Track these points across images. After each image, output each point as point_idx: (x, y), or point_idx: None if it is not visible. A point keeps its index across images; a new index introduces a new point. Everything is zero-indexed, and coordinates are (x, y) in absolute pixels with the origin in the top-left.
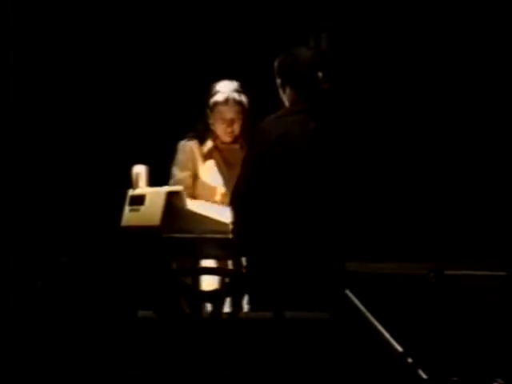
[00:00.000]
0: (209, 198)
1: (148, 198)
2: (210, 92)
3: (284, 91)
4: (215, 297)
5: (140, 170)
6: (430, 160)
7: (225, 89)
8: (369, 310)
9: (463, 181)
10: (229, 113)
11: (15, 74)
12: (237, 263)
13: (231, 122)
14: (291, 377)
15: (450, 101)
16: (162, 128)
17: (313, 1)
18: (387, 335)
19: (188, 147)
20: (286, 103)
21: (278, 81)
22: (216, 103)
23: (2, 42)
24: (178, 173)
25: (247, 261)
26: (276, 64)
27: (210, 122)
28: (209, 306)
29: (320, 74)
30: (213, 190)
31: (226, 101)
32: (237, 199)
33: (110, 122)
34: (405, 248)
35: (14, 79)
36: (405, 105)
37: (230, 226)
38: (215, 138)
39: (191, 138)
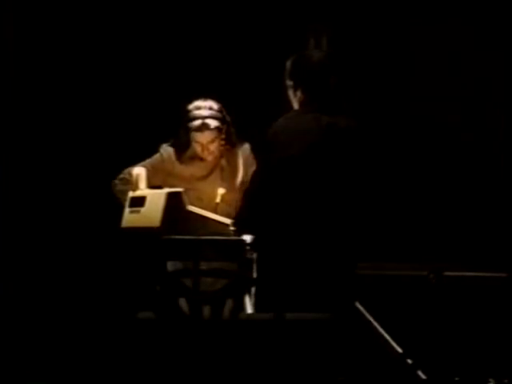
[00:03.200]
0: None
1: (148, 199)
2: (184, 114)
3: (295, 93)
4: (215, 298)
5: (140, 172)
6: (430, 161)
7: (199, 115)
8: (368, 311)
9: (463, 182)
10: (204, 138)
11: (14, 75)
12: (239, 264)
13: (207, 146)
14: (291, 378)
15: (450, 101)
16: (163, 129)
17: (313, 3)
18: (387, 336)
19: (166, 152)
20: (295, 105)
21: (290, 83)
22: (190, 129)
23: (1, 42)
24: (140, 164)
25: (257, 261)
26: (288, 65)
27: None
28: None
29: (333, 80)
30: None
31: (201, 128)
32: (250, 199)
33: (112, 123)
34: (405, 249)
35: (13, 80)
36: (405, 106)
37: (231, 227)
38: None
39: (171, 145)
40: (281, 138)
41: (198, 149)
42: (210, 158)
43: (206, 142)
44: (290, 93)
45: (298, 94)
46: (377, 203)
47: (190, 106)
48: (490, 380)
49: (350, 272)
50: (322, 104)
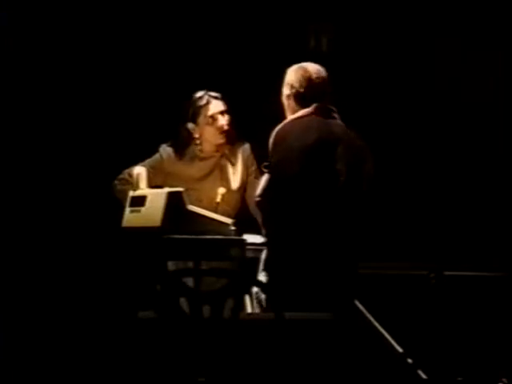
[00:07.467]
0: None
1: (149, 199)
2: (186, 108)
3: (290, 102)
4: (216, 298)
5: (141, 171)
6: (431, 161)
7: (202, 94)
8: (369, 311)
9: (463, 182)
10: (217, 108)
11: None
12: (239, 264)
13: (222, 115)
14: (291, 377)
15: (450, 102)
16: (163, 129)
17: (313, 3)
18: (387, 336)
19: (166, 152)
20: (288, 113)
21: (287, 92)
22: (200, 107)
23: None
24: (139, 164)
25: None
26: (289, 75)
27: (196, 135)
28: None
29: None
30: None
31: (209, 100)
32: (263, 199)
33: (112, 123)
34: (405, 249)
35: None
36: (406, 106)
37: (232, 227)
38: (198, 146)
39: (170, 145)
40: (287, 143)
41: (213, 127)
42: (221, 140)
43: (218, 111)
44: (284, 100)
45: (292, 104)
46: (375, 204)
47: (192, 99)
48: (503, 380)
49: (353, 272)
50: (319, 110)
